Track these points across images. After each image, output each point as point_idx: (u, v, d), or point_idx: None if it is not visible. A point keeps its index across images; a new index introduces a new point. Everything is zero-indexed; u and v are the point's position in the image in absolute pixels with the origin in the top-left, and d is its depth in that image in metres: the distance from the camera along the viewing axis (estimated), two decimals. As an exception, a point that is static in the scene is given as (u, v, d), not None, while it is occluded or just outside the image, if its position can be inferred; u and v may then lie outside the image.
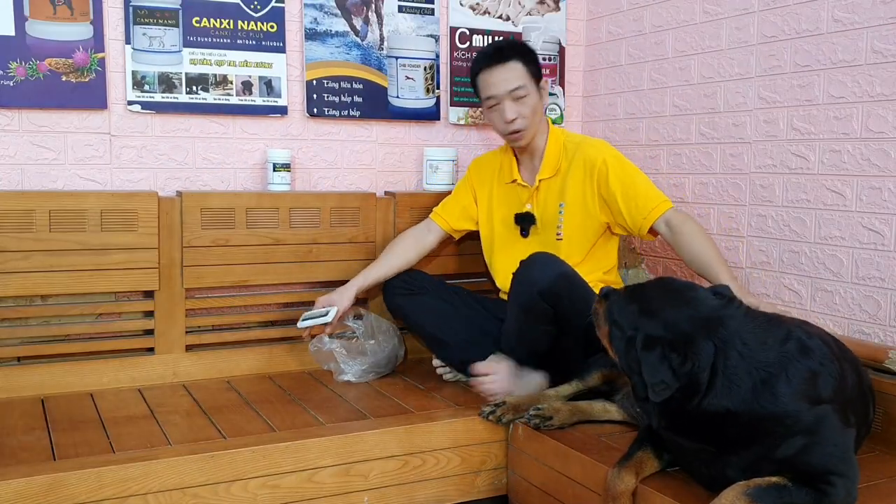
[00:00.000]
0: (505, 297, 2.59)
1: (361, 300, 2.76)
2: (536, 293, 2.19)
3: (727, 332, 1.56)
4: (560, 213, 2.46)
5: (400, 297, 2.56)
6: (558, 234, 2.46)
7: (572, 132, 2.60)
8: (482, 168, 2.67)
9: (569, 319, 2.21)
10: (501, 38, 3.08)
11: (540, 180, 2.49)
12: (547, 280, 2.18)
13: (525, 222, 2.52)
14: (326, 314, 2.45)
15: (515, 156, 2.56)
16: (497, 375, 2.27)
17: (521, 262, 2.31)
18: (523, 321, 2.27)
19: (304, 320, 2.46)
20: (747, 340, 1.56)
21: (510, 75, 2.38)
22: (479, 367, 2.29)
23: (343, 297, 2.49)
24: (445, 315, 2.51)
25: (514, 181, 2.54)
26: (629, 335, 1.62)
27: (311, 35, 2.78)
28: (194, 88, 2.63)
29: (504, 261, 2.56)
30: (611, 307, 1.71)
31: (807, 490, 1.49)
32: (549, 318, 2.23)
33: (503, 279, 2.57)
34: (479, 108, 3.15)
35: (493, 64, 2.40)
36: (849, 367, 1.67)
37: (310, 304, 2.56)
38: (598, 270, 2.47)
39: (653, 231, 2.35)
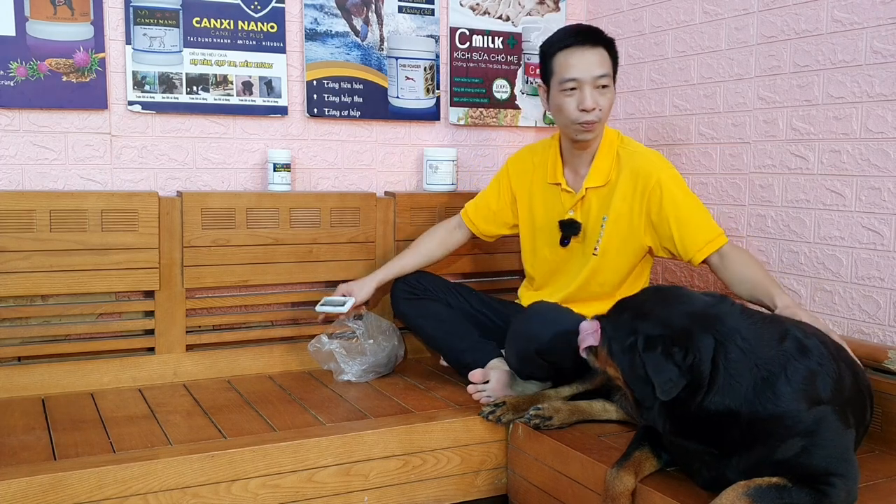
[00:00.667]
0: (519, 300, 2.59)
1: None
2: (534, 351, 2.13)
3: (725, 327, 1.56)
4: (602, 226, 2.30)
5: (403, 301, 2.54)
6: (595, 250, 2.31)
7: (628, 138, 2.39)
8: (522, 165, 2.48)
9: (567, 372, 2.18)
10: (499, 39, 3.08)
11: (587, 188, 2.31)
12: (546, 338, 2.10)
13: (569, 230, 2.34)
14: (343, 304, 2.46)
15: (561, 155, 2.39)
16: (493, 383, 2.27)
17: (524, 311, 2.26)
18: (520, 366, 2.25)
19: (322, 305, 2.48)
20: (746, 336, 1.56)
21: (600, 59, 2.20)
22: (476, 374, 2.29)
23: (362, 289, 2.49)
24: (446, 319, 2.49)
25: (558, 184, 2.36)
26: (629, 343, 1.61)
27: (312, 35, 2.78)
28: (195, 88, 2.63)
29: (540, 269, 2.48)
30: (604, 328, 1.72)
31: (807, 490, 1.49)
32: (546, 369, 2.20)
33: (539, 285, 2.51)
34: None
35: (581, 44, 2.20)
36: (845, 367, 1.67)
37: (310, 304, 2.57)
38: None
39: (704, 262, 2.22)
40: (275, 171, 2.67)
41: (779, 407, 1.52)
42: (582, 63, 2.19)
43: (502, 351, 2.38)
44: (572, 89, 2.21)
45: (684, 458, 1.71)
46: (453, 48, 3.03)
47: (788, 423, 1.52)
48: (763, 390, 1.53)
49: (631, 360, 1.61)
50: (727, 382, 1.54)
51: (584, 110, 2.20)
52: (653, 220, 2.24)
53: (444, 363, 2.59)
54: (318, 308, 2.49)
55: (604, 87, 2.21)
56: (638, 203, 2.25)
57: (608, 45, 2.25)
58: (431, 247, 2.58)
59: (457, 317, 2.51)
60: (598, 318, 1.78)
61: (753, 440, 1.54)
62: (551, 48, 2.26)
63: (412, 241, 2.63)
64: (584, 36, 2.22)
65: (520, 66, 3.13)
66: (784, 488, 1.50)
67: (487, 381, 2.27)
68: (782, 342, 1.57)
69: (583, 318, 2.25)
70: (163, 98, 2.60)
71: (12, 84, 2.41)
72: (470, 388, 2.28)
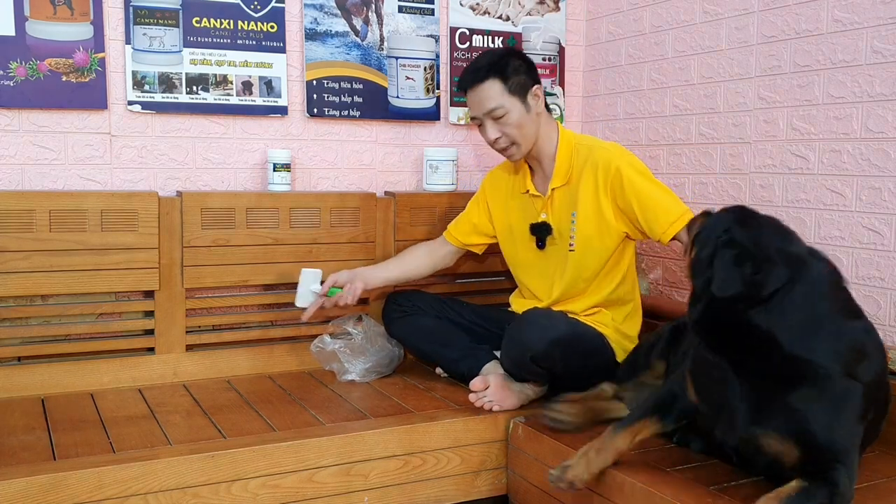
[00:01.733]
0: (511, 308, 2.60)
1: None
2: (529, 359, 2.16)
3: (808, 275, 1.62)
4: (572, 222, 2.36)
5: (395, 320, 2.57)
6: (570, 245, 2.36)
7: (585, 135, 2.50)
8: (495, 181, 2.58)
9: (565, 378, 2.21)
10: (499, 39, 3.08)
11: (552, 189, 2.38)
12: (541, 346, 2.14)
13: (541, 233, 2.41)
14: (317, 280, 2.43)
15: (529, 164, 2.47)
16: (492, 388, 2.26)
17: (518, 318, 2.29)
18: (516, 371, 2.27)
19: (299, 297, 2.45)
20: (822, 293, 1.63)
21: (485, 95, 2.29)
22: (476, 383, 2.29)
23: (342, 273, 2.47)
24: (435, 330, 2.52)
25: (528, 192, 2.45)
26: (717, 234, 1.68)
27: (311, 35, 2.78)
28: (194, 88, 2.63)
29: (527, 276, 2.52)
30: (709, 217, 1.79)
31: (820, 483, 1.54)
32: (542, 374, 2.23)
33: (529, 292, 2.53)
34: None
35: (470, 85, 2.32)
36: (892, 380, 1.77)
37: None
38: (612, 283, 2.39)
39: (677, 240, 2.25)
40: (275, 171, 2.66)
41: (815, 355, 1.58)
42: (474, 104, 2.34)
43: (496, 353, 2.39)
44: (480, 125, 2.36)
45: (705, 382, 1.76)
46: (453, 48, 3.02)
47: (820, 372, 1.57)
48: (807, 334, 1.58)
49: (705, 244, 1.68)
50: (779, 310, 1.59)
51: (490, 142, 2.35)
52: (620, 207, 2.29)
53: (441, 373, 2.59)
54: (298, 302, 2.45)
55: (499, 117, 2.30)
56: (603, 193, 2.31)
57: (498, 72, 2.29)
58: (418, 258, 2.61)
59: (445, 326, 2.53)
60: (709, 211, 1.84)
61: (781, 374, 1.60)
62: (459, 88, 2.41)
63: (410, 245, 2.65)
64: (473, 75, 2.32)
65: (520, 65, 3.12)
66: (807, 490, 1.54)
67: (488, 387, 2.27)
68: (856, 320, 1.66)
69: (577, 322, 2.28)
70: (163, 98, 2.60)
71: (12, 84, 2.41)
72: (471, 396, 2.28)
